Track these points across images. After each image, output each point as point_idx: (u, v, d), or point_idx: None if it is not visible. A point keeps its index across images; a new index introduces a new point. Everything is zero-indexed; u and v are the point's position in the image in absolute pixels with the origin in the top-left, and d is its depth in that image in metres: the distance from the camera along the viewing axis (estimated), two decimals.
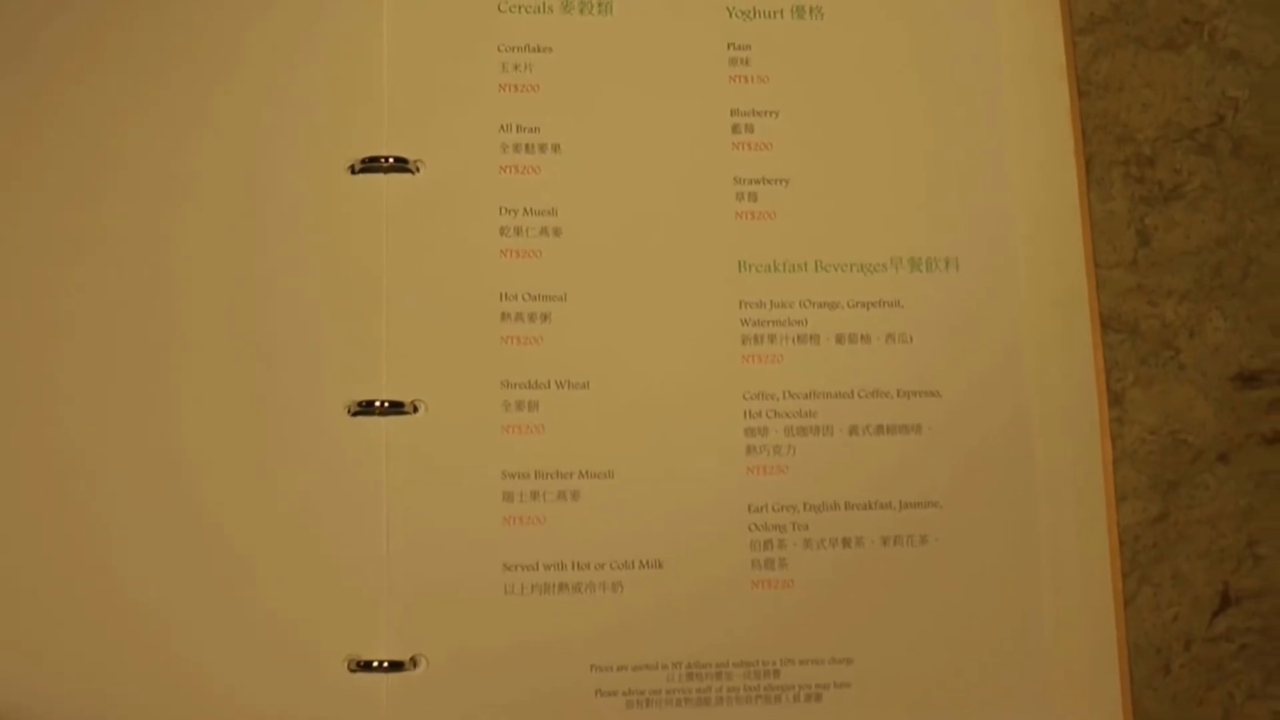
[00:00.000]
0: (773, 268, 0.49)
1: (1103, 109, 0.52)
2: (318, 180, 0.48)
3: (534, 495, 0.46)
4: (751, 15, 0.51)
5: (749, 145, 0.50)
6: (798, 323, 0.49)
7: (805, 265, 0.49)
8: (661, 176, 0.49)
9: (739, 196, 0.49)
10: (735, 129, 0.50)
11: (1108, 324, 0.50)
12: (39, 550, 0.45)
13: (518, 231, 0.48)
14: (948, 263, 0.49)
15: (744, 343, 0.48)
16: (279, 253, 0.47)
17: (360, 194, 0.48)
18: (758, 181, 0.50)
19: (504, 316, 0.47)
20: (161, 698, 0.44)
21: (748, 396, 0.48)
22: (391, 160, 0.48)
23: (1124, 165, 0.51)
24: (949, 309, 0.49)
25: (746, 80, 0.50)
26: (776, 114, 0.50)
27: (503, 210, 0.48)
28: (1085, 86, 0.52)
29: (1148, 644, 0.48)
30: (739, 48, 0.50)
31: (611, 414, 0.47)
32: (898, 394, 0.48)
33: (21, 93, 0.48)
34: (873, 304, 0.49)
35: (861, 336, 0.49)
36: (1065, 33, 0.51)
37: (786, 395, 0.48)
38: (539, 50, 0.50)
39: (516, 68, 0.50)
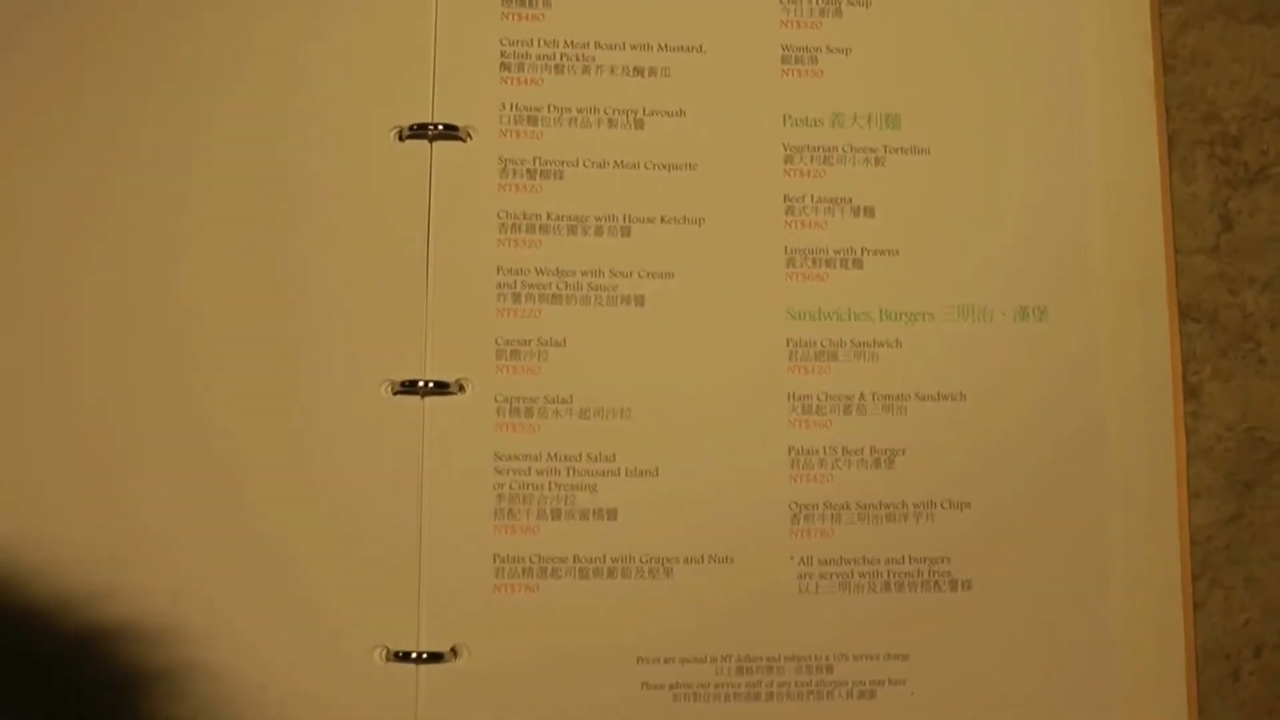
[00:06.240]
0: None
1: (1188, 84, 0.49)
2: (361, 147, 0.45)
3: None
4: None
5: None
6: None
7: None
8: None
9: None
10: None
11: (1186, 313, 0.48)
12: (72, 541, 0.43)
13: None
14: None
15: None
16: (320, 223, 0.45)
17: (407, 162, 0.45)
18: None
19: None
20: None
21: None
22: (440, 127, 0.46)
23: (1208, 145, 0.49)
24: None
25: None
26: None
27: None
28: (1170, 60, 0.49)
29: (1217, 649, 0.46)
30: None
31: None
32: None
33: (48, 57, 0.45)
34: None
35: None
36: (1152, 2, 0.48)
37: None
38: None
39: None
